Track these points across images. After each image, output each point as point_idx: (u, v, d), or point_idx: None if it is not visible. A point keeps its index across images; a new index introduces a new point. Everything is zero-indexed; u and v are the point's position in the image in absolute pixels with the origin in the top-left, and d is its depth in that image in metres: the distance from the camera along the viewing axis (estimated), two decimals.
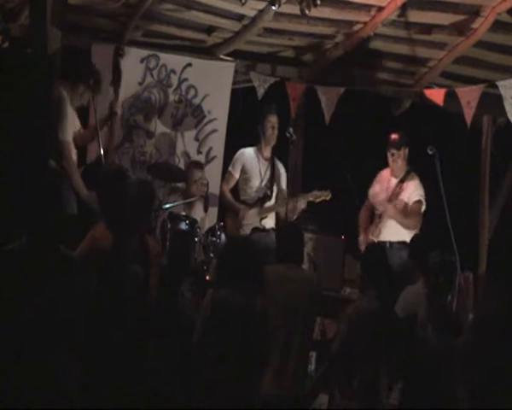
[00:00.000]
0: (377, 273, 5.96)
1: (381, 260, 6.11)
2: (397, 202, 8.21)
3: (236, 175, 8.57)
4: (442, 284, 6.23)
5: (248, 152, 8.60)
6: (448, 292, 6.39)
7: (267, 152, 8.55)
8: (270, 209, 8.49)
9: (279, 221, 8.52)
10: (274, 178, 8.54)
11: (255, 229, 8.33)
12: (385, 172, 8.46)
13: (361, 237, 8.36)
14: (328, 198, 8.30)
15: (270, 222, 8.49)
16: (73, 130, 7.31)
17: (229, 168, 8.66)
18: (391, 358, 5.67)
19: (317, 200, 8.29)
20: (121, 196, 5.43)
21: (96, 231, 5.43)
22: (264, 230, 8.37)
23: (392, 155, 8.28)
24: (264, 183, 8.52)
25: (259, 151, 8.55)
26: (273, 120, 8.44)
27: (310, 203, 8.31)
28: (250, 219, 8.39)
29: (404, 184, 8.29)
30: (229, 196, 8.59)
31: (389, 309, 5.97)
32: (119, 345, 4.65)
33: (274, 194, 8.54)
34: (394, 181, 8.36)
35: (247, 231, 8.30)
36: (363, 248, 8.15)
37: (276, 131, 8.46)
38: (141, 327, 4.94)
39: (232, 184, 8.63)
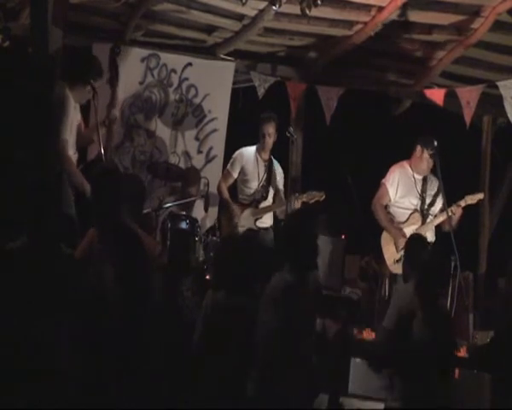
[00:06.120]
0: None
1: None
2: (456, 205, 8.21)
3: (235, 175, 8.54)
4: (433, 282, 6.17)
5: (248, 153, 8.56)
6: (439, 290, 6.31)
7: (265, 154, 8.54)
8: (264, 210, 8.48)
9: (276, 220, 8.52)
10: (271, 179, 8.53)
11: (249, 230, 8.31)
12: (402, 171, 8.32)
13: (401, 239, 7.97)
14: (321, 199, 8.29)
15: (266, 221, 8.48)
16: (75, 126, 7.31)
17: (228, 167, 8.63)
18: None
19: (311, 201, 8.29)
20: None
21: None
22: (258, 231, 8.36)
23: (433, 156, 8.16)
24: (261, 184, 8.52)
25: (259, 152, 8.53)
26: (268, 129, 8.37)
27: (304, 204, 8.29)
28: (244, 220, 8.37)
29: (429, 181, 8.29)
30: (226, 194, 8.55)
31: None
32: (119, 344, 4.66)
33: (270, 195, 8.54)
34: (419, 178, 8.30)
35: (241, 231, 8.28)
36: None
37: (272, 139, 8.41)
38: (141, 326, 4.94)
39: (230, 182, 8.59)
